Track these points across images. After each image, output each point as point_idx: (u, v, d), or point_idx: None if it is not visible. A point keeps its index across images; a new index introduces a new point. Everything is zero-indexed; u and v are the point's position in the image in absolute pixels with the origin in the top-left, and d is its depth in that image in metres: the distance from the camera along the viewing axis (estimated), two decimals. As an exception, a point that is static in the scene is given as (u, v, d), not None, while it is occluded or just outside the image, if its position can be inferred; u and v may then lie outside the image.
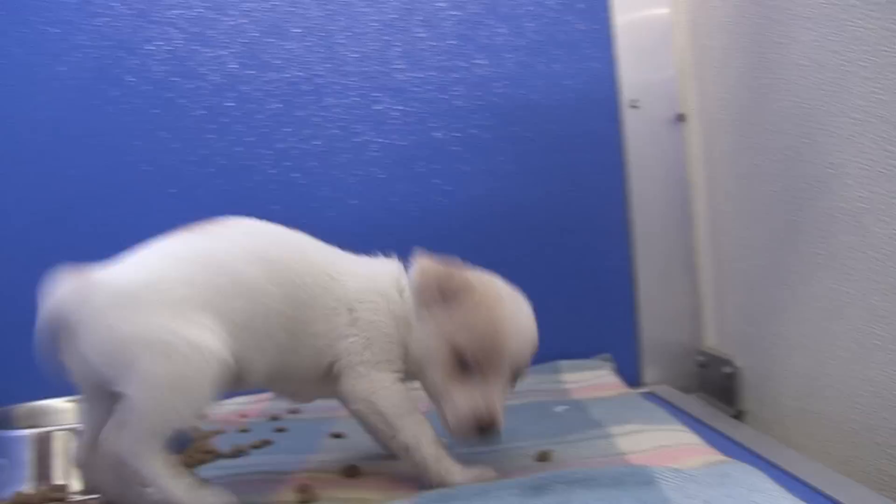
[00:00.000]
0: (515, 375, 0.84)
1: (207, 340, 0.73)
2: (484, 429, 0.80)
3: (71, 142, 1.47)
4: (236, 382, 0.80)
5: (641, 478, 0.76)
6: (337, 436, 1.08)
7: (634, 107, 1.45)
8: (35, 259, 1.41)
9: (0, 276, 1.43)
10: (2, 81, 1.47)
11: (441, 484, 0.80)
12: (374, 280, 0.87)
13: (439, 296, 0.84)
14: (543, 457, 0.89)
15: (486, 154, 1.47)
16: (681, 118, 1.43)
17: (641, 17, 1.47)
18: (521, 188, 1.46)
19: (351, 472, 0.88)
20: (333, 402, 0.88)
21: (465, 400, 0.80)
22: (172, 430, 0.73)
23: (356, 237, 1.48)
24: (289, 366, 0.83)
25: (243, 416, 1.26)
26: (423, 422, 0.83)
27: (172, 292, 0.76)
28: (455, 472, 0.81)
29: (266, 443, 1.09)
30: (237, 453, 1.03)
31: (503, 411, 0.82)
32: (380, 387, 0.83)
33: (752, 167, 1.20)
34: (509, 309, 0.83)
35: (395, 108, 1.48)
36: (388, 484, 0.85)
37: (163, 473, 0.71)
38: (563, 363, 1.41)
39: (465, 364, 0.81)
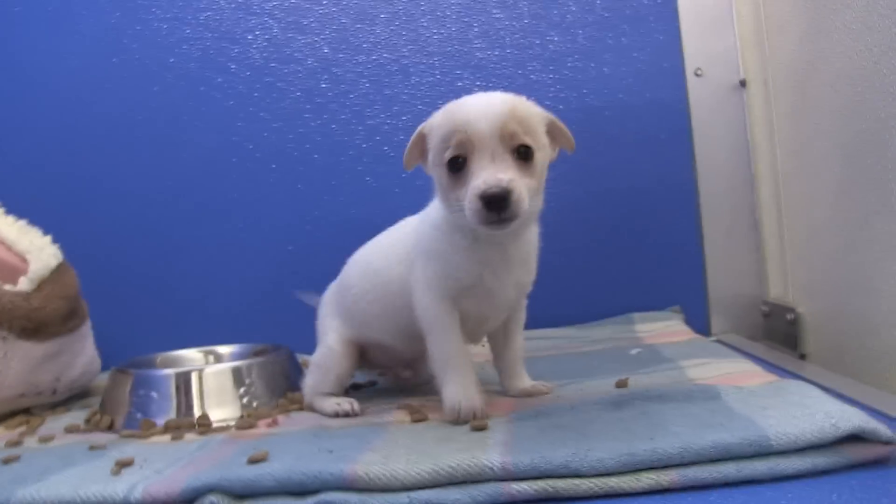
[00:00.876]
0: (518, 150, 0.85)
1: (332, 338, 1.08)
2: (491, 199, 0.81)
3: (182, 125, 1.63)
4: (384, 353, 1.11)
5: (708, 393, 0.88)
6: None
7: (698, 75, 1.54)
8: (160, 230, 1.61)
9: (137, 248, 1.61)
10: (120, 74, 1.64)
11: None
12: (428, 215, 1.00)
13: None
14: (621, 384, 1.00)
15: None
16: (743, 84, 1.52)
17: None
18: (593, 155, 1.56)
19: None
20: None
21: (469, 188, 0.83)
22: (328, 389, 1.06)
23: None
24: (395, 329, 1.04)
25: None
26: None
27: (328, 302, 1.14)
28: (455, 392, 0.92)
29: (372, 383, 1.23)
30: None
31: (514, 182, 0.82)
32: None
33: (811, 126, 1.29)
34: (462, 98, 0.89)
35: (475, 84, 1.60)
36: (487, 407, 0.96)
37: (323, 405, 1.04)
38: (637, 315, 1.52)
39: (454, 166, 0.86)
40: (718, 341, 1.42)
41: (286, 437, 0.90)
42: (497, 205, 0.81)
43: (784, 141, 1.43)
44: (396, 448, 0.79)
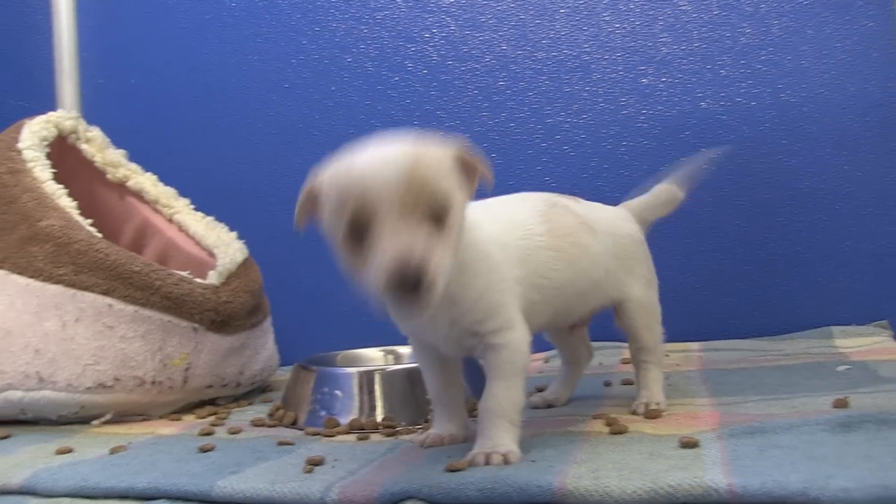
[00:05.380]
0: (433, 212, 0.71)
1: None
2: (406, 276, 0.68)
3: (359, 124, 1.64)
4: None
5: (957, 423, 0.78)
6: (627, 383, 1.16)
7: (914, 66, 1.41)
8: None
9: (313, 245, 1.63)
10: (299, 74, 1.67)
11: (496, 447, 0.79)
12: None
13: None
14: (840, 404, 0.90)
15: (753, 122, 1.48)
16: (968, 76, 1.38)
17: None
18: (789, 154, 1.46)
19: (652, 414, 0.94)
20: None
21: (377, 260, 0.70)
22: None
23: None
24: None
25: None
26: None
27: None
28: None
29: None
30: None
31: (431, 253, 0.69)
32: None
33: None
34: (355, 156, 0.74)
35: (660, 80, 1.52)
36: (690, 420, 0.90)
37: None
38: (836, 329, 1.41)
39: (355, 233, 0.72)
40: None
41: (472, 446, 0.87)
42: (411, 285, 0.68)
43: None
44: (604, 462, 0.74)
